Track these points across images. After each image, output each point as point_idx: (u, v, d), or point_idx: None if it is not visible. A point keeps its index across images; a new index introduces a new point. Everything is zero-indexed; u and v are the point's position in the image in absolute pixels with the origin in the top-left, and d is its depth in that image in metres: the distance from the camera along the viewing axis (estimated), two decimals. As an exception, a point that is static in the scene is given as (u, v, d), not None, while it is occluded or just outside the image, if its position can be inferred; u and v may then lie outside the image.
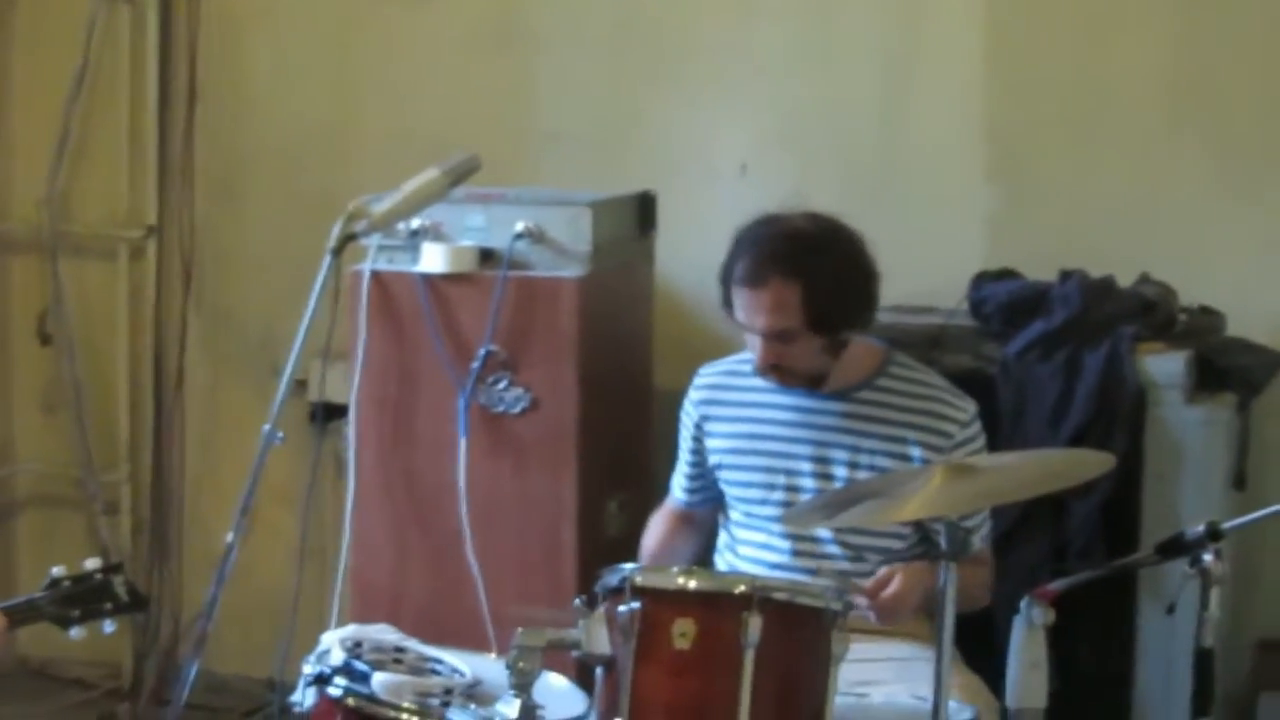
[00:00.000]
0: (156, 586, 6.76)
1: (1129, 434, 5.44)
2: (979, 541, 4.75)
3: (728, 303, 4.84)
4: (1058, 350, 5.61)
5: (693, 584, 4.15)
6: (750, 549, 4.97)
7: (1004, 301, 5.80)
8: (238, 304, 6.81)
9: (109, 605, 4.44)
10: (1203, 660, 4.21)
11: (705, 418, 5.09)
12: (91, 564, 4.49)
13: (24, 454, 7.20)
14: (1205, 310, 5.80)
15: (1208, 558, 4.14)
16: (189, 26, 6.85)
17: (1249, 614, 5.70)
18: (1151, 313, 5.70)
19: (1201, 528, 4.18)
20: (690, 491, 5.17)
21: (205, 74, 6.87)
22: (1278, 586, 5.87)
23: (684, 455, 5.17)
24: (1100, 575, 4.67)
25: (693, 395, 5.14)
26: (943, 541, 4.15)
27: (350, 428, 5.84)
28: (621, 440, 5.86)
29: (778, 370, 4.85)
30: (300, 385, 5.73)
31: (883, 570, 4.63)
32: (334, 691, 4.50)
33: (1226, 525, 4.22)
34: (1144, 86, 6.09)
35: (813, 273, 4.74)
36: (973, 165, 6.20)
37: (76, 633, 4.49)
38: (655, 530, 5.20)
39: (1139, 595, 5.42)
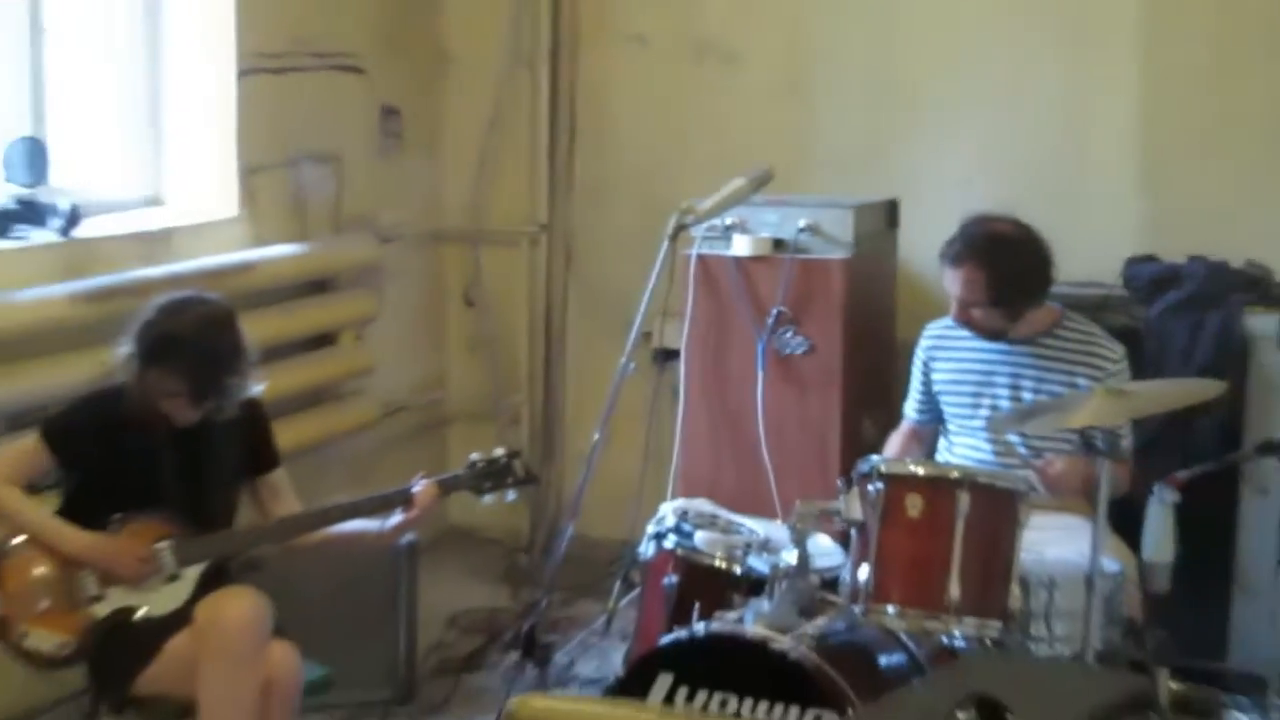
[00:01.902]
0: (546, 474, 6.87)
1: (1237, 372, 5.42)
2: (1125, 445, 4.75)
3: (942, 268, 4.95)
4: (1187, 313, 5.61)
5: (921, 471, 4.29)
6: (963, 449, 5.06)
7: (1148, 278, 5.81)
8: (603, 278, 6.88)
9: (511, 480, 4.58)
10: (1290, 532, 4.23)
11: (931, 358, 5.17)
12: (499, 451, 4.63)
13: (454, 383, 7.34)
14: (1293, 283, 5.79)
15: (1293, 455, 4.16)
16: (570, 84, 6.93)
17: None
18: (1255, 286, 5.70)
19: (1290, 433, 4.20)
20: (920, 411, 5.24)
21: (581, 116, 6.94)
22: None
23: (916, 385, 5.23)
24: (1215, 468, 4.68)
25: (922, 343, 5.21)
26: (1100, 443, 4.22)
27: (681, 366, 5.91)
28: (872, 374, 5.88)
29: (967, 324, 4.96)
30: (646, 336, 5.80)
31: (1050, 456, 4.78)
32: (668, 544, 4.65)
33: (1310, 430, 4.24)
34: (1251, 124, 6.02)
35: (999, 265, 4.86)
36: (1128, 179, 6.17)
37: (489, 499, 4.62)
38: (893, 444, 5.28)
39: (1241, 485, 5.41)
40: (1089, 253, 5.76)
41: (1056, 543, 4.48)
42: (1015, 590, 4.16)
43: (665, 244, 5.34)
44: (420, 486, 4.47)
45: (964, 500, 4.13)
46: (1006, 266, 4.87)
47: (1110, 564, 4.27)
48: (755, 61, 6.66)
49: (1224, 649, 5.47)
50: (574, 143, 6.99)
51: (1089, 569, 4.15)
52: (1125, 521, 4.48)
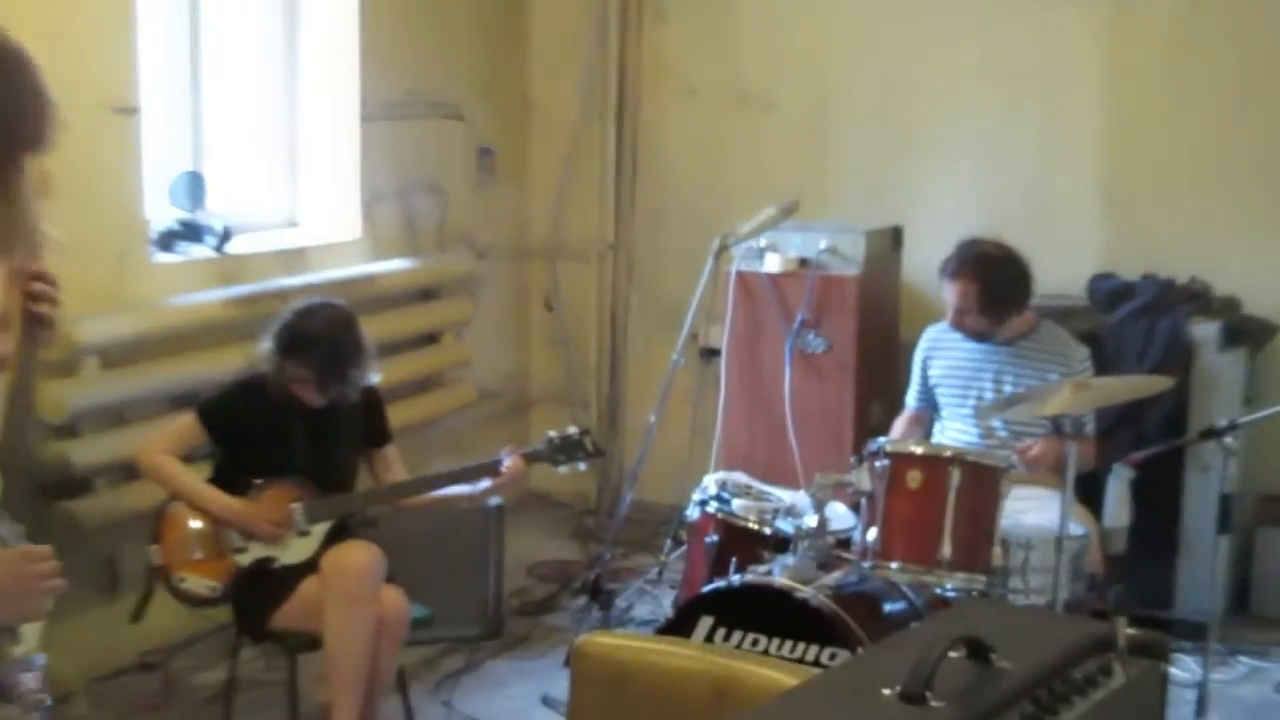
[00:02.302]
0: (610, 449, 6.76)
1: (1182, 371, 5.35)
2: (1089, 429, 4.70)
3: (941, 282, 4.93)
4: (1140, 321, 5.55)
5: (919, 450, 4.27)
6: (954, 432, 4.98)
7: (1108, 292, 5.76)
8: (659, 289, 6.80)
9: (582, 453, 4.53)
10: (1225, 502, 4.17)
11: (929, 356, 5.10)
12: (572, 429, 4.61)
13: (535, 373, 7.28)
14: (1230, 298, 5.71)
15: (1229, 440, 4.10)
16: (633, 127, 6.88)
17: (1253, 477, 5.56)
18: (1197, 299, 5.65)
19: (1225, 422, 4.14)
20: (918, 400, 5.16)
21: (642, 155, 6.90)
22: (1272, 462, 5.72)
23: (915, 378, 5.16)
24: (1164, 449, 4.66)
25: (921, 344, 5.14)
26: (1068, 428, 4.18)
27: (722, 361, 5.87)
28: (879, 369, 5.81)
29: (960, 328, 4.92)
30: (694, 337, 5.76)
31: (1028, 440, 4.71)
32: (710, 509, 4.60)
33: (1241, 420, 4.18)
34: (1193, 165, 5.97)
35: (988, 280, 4.83)
36: (1092, 210, 6.10)
37: (563, 470, 4.58)
38: (897, 427, 5.19)
39: (1186, 464, 5.36)
40: (1059, 270, 5.69)
41: (1032, 511, 4.46)
42: (997, 550, 4.14)
43: (710, 261, 5.35)
44: (508, 459, 4.45)
45: (955, 475, 4.10)
46: (994, 280, 4.84)
47: (1076, 529, 4.25)
48: (785, 110, 6.60)
49: (1171, 601, 5.42)
50: (636, 176, 6.94)
51: (1059, 533, 4.12)
52: (1089, 493, 4.47)
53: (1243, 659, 5.33)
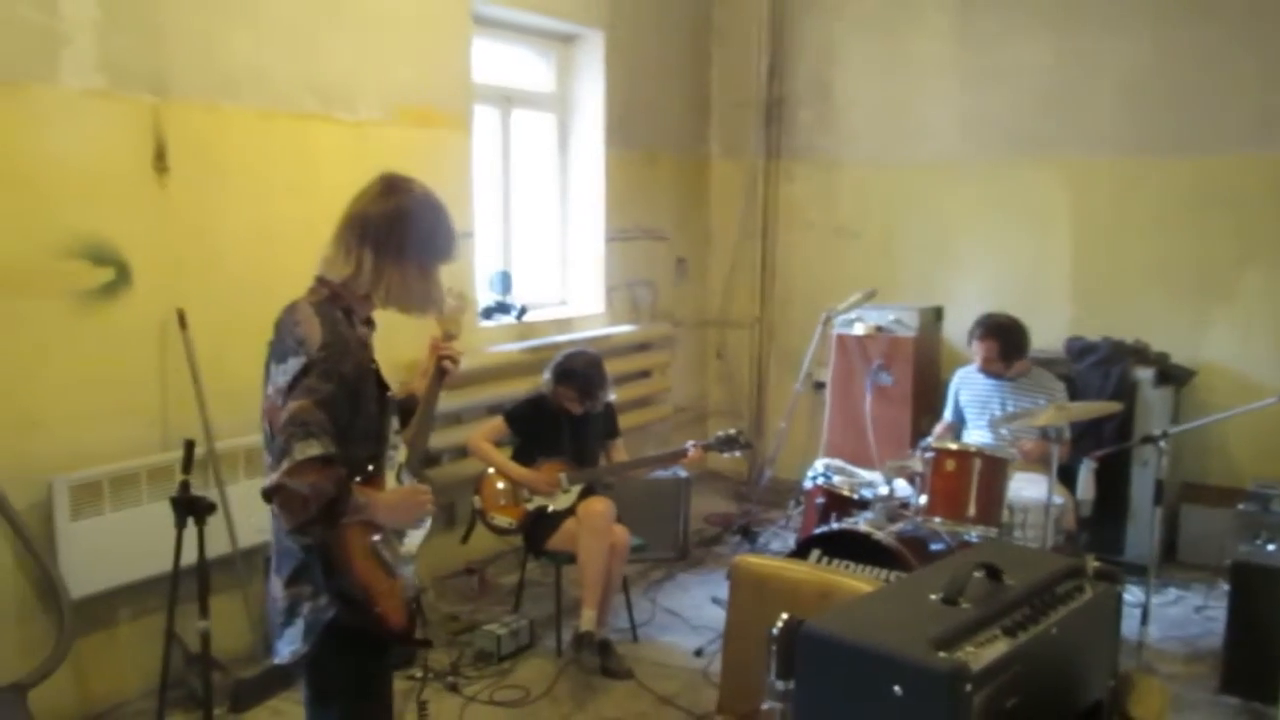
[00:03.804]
0: (756, 443, 6.68)
1: (1129, 400, 5.10)
2: (1066, 435, 4.46)
3: (970, 341, 4.75)
4: (1100, 367, 5.27)
5: (954, 447, 4.11)
6: (976, 436, 4.79)
7: (1078, 348, 5.47)
8: (788, 345, 6.69)
9: (739, 446, 4.47)
10: (1158, 485, 3.94)
11: (959, 388, 4.93)
12: (733, 430, 4.53)
13: (711, 396, 7.16)
14: (1161, 353, 5.41)
15: (1161, 444, 3.88)
16: (772, 247, 6.77)
17: (1178, 470, 5.28)
18: (1138, 353, 5.36)
19: (1159, 431, 3.91)
20: (952, 415, 4.96)
21: (777, 264, 6.78)
22: (1190, 460, 5.42)
23: (950, 402, 4.98)
24: (1117, 450, 4.46)
25: (954, 380, 4.98)
26: (1052, 434, 3.99)
27: (828, 390, 5.73)
28: (928, 395, 5.62)
29: (983, 370, 4.75)
30: (809, 375, 5.69)
31: (1024, 439, 4.54)
32: (819, 482, 4.50)
33: (1171, 430, 3.96)
34: (1134, 267, 5.65)
35: (1004, 338, 4.68)
36: (1066, 294, 5.81)
37: (728, 455, 4.52)
38: (938, 432, 4.99)
39: (1132, 460, 5.09)
40: (1046, 333, 5.51)
41: (1028, 487, 4.28)
42: (1005, 512, 4.00)
43: (819, 328, 5.29)
44: (691, 448, 4.40)
45: (977, 463, 3.99)
46: (1006, 339, 4.70)
47: (1058, 499, 4.09)
48: (866, 237, 6.46)
49: (1122, 549, 5.14)
50: (774, 276, 6.84)
51: (1046, 502, 3.96)
52: (1066, 477, 4.27)
53: (1171, 589, 5.06)
